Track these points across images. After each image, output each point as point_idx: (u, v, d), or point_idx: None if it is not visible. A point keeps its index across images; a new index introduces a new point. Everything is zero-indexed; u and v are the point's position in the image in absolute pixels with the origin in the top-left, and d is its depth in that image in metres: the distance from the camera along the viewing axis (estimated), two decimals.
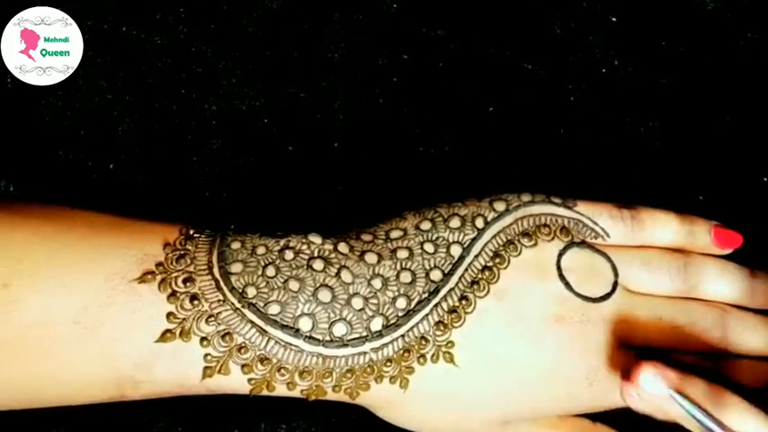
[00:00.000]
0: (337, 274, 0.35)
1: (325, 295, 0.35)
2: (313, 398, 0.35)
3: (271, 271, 0.35)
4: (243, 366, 0.34)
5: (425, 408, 0.37)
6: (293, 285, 0.35)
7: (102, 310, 0.34)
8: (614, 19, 0.45)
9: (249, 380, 0.35)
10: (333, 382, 0.35)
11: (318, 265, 0.35)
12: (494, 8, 0.45)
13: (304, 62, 0.44)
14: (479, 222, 0.37)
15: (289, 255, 0.36)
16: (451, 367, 0.36)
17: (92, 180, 0.43)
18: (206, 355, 0.34)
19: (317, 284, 0.35)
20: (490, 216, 0.37)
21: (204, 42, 0.44)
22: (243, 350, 0.34)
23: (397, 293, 0.36)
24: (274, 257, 0.35)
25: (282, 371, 0.35)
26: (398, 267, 0.36)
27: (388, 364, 0.35)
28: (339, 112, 0.44)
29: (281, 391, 0.35)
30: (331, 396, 0.36)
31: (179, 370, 0.34)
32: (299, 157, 0.44)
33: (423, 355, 0.36)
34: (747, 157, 0.44)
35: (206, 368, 0.34)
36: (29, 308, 0.33)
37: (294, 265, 0.35)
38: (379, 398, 0.36)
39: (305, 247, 0.36)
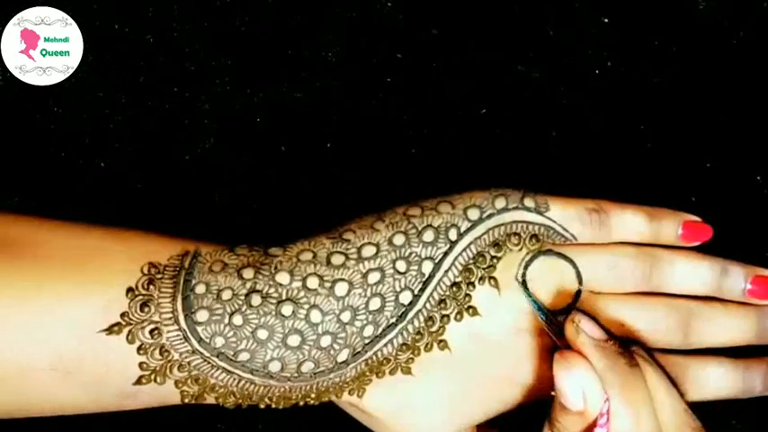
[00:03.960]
0: (306, 316, 0.35)
1: (294, 340, 0.35)
2: (282, 406, 0.37)
3: (238, 320, 0.35)
4: (217, 398, 0.36)
5: (379, 410, 0.38)
6: (262, 334, 0.35)
7: (75, 359, 0.35)
8: (606, 20, 0.45)
9: (225, 403, 0.37)
10: (299, 399, 0.37)
11: (287, 309, 0.35)
12: (488, 9, 0.45)
13: (297, 61, 0.44)
14: (452, 234, 0.37)
15: (256, 300, 0.35)
16: (407, 377, 0.37)
17: (83, 179, 0.43)
18: (182, 390, 0.36)
19: (286, 330, 0.35)
20: (463, 227, 0.37)
21: (197, 41, 0.44)
22: (216, 388, 0.36)
23: (365, 322, 0.36)
24: (240, 303, 0.35)
25: (254, 397, 0.37)
26: (368, 294, 0.36)
27: (349, 383, 0.37)
28: (332, 112, 0.44)
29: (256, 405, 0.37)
30: (296, 402, 0.38)
31: (159, 398, 0.36)
32: (292, 157, 0.44)
33: (382, 371, 0.37)
34: (741, 157, 0.44)
35: (183, 397, 0.36)
36: (4, 358, 0.34)
37: (262, 312, 0.35)
38: (340, 402, 0.38)
39: (272, 290, 0.35)
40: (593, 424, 0.33)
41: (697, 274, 0.38)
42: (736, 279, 0.39)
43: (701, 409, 0.43)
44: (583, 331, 0.34)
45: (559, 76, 0.45)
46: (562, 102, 0.44)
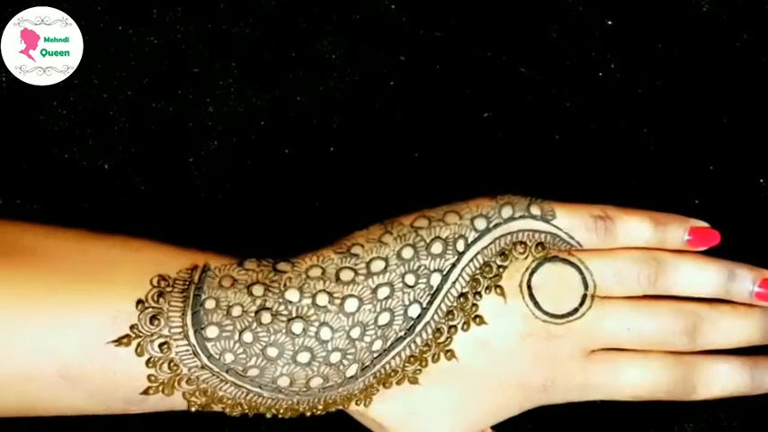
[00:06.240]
0: (316, 334, 0.35)
1: (303, 357, 0.35)
2: (288, 416, 0.37)
3: (248, 337, 0.35)
4: (224, 408, 0.36)
5: (386, 419, 0.38)
6: (272, 352, 0.35)
7: (83, 369, 0.35)
8: (610, 22, 0.45)
9: (231, 413, 0.37)
10: (306, 410, 0.37)
11: (297, 327, 0.35)
12: (491, 12, 0.45)
13: (301, 64, 0.44)
14: (460, 245, 0.37)
15: (266, 317, 0.35)
16: (414, 386, 0.37)
17: (85, 181, 0.43)
18: (189, 401, 0.36)
19: (296, 348, 0.35)
20: (471, 237, 0.37)
21: (201, 43, 0.44)
22: (224, 400, 0.36)
23: (374, 337, 0.36)
24: (250, 320, 0.35)
25: (262, 408, 0.37)
26: (378, 309, 0.36)
27: (357, 394, 0.37)
28: (335, 115, 0.44)
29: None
30: (303, 413, 0.38)
31: (166, 405, 0.36)
32: (295, 160, 0.44)
33: (389, 382, 0.37)
34: (744, 160, 0.44)
35: (190, 406, 0.36)
36: (11, 364, 0.34)
37: (272, 330, 0.35)
38: (347, 410, 0.38)
39: (282, 307, 0.35)
40: None
41: (704, 278, 0.39)
42: (744, 282, 0.39)
43: (705, 410, 0.43)
44: None
45: (563, 78, 0.45)
46: (565, 105, 0.45)
